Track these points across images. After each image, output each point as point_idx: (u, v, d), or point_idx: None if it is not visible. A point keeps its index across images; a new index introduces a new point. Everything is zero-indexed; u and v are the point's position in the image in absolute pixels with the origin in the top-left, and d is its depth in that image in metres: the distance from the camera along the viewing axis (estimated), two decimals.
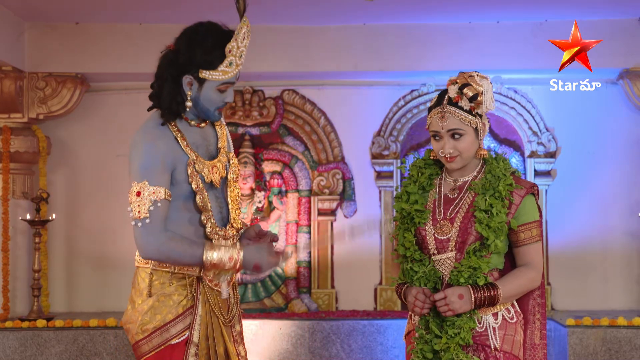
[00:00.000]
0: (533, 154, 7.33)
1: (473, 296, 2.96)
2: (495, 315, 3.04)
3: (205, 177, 2.97)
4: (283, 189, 7.47)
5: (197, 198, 2.94)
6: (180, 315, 2.94)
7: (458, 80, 3.07)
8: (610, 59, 6.80)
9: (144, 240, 2.85)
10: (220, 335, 2.98)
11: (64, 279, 7.37)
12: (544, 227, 6.88)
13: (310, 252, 7.41)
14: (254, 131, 7.48)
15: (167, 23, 6.57)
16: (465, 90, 3.04)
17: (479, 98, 3.03)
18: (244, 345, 3.11)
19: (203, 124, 3.05)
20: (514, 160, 7.30)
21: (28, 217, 6.80)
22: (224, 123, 3.18)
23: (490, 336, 3.03)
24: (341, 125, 7.49)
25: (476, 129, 3.06)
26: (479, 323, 3.03)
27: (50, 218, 6.86)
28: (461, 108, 3.04)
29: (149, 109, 3.01)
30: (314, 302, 7.37)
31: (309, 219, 7.44)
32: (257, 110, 7.47)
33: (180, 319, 2.94)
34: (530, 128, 7.33)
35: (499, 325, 3.04)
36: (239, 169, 3.16)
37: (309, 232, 7.42)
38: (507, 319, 3.06)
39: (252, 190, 7.39)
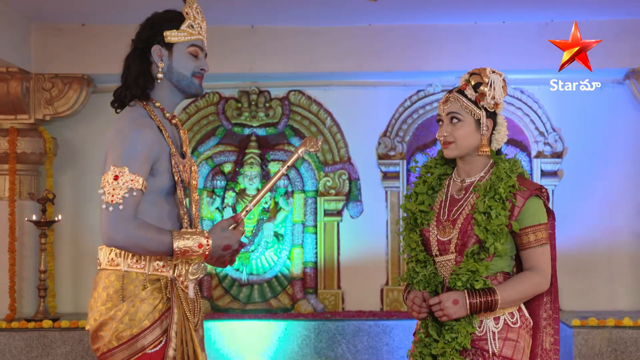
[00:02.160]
0: (539, 154, 7.32)
1: (468, 301, 2.92)
2: (496, 319, 2.99)
3: (181, 173, 2.92)
4: (289, 189, 7.47)
5: (178, 190, 2.88)
6: (157, 320, 2.83)
7: (471, 71, 3.10)
8: (616, 59, 6.80)
9: (112, 227, 2.74)
10: (190, 338, 2.88)
11: (70, 279, 7.38)
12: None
13: (316, 253, 7.41)
14: (260, 132, 7.48)
15: None
16: (470, 79, 3.05)
17: (481, 87, 3.03)
18: (205, 351, 3.01)
19: (174, 120, 3.00)
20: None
21: (34, 218, 6.81)
22: (185, 129, 3.14)
23: (489, 341, 2.97)
24: (347, 125, 7.49)
25: (478, 121, 3.06)
26: (479, 327, 2.97)
27: (56, 219, 6.87)
28: (466, 96, 3.06)
29: (112, 103, 3.02)
30: (320, 302, 7.37)
31: (315, 220, 7.43)
32: (264, 110, 7.47)
33: (158, 324, 2.83)
34: (536, 128, 7.32)
35: (499, 330, 2.98)
36: (197, 177, 3.09)
37: (315, 233, 7.42)
38: (510, 323, 3.00)
39: (258, 191, 7.38)
